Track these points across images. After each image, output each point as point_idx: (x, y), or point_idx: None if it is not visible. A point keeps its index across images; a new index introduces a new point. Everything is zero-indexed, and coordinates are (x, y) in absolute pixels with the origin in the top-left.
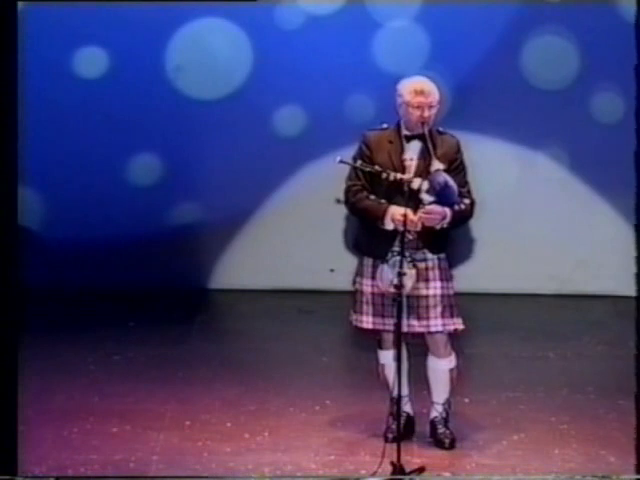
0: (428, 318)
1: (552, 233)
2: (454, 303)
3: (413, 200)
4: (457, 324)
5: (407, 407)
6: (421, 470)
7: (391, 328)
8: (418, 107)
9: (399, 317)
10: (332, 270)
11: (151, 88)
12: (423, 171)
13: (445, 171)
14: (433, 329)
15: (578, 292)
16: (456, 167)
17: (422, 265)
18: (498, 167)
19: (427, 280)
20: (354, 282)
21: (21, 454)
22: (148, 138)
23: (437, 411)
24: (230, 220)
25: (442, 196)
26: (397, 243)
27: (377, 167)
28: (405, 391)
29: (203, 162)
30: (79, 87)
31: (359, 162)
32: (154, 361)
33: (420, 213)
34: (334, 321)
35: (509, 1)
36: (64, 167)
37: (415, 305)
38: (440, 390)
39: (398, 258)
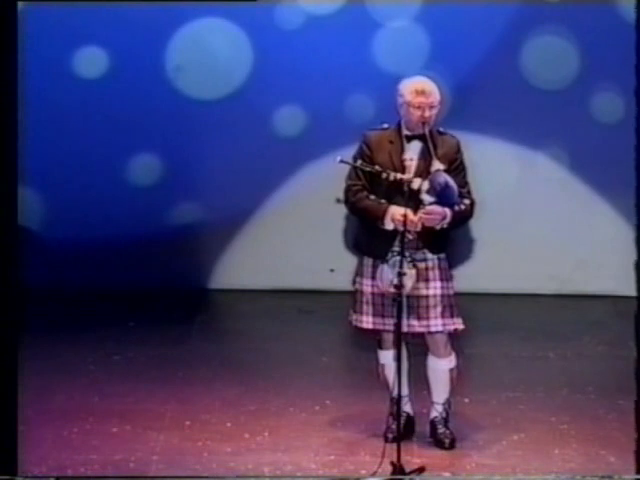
0: (428, 318)
1: (552, 233)
2: (454, 303)
3: (413, 200)
4: (457, 324)
5: (407, 407)
6: (421, 470)
7: (391, 328)
8: (419, 107)
9: (399, 317)
10: (332, 270)
11: (151, 88)
12: (423, 171)
13: (445, 171)
14: (433, 329)
15: (578, 292)
16: (456, 167)
17: (422, 265)
18: (498, 167)
19: (427, 280)
20: (354, 282)
21: (21, 454)
22: (148, 138)
23: (437, 411)
24: (230, 220)
25: (442, 196)
26: (397, 243)
27: (377, 167)
28: (405, 391)
29: (203, 162)
30: (79, 87)
31: (359, 162)
32: (154, 361)
33: (420, 213)
34: (334, 321)
35: (509, 1)
36: (64, 167)
37: (415, 305)
38: (440, 390)
39: (398, 258)
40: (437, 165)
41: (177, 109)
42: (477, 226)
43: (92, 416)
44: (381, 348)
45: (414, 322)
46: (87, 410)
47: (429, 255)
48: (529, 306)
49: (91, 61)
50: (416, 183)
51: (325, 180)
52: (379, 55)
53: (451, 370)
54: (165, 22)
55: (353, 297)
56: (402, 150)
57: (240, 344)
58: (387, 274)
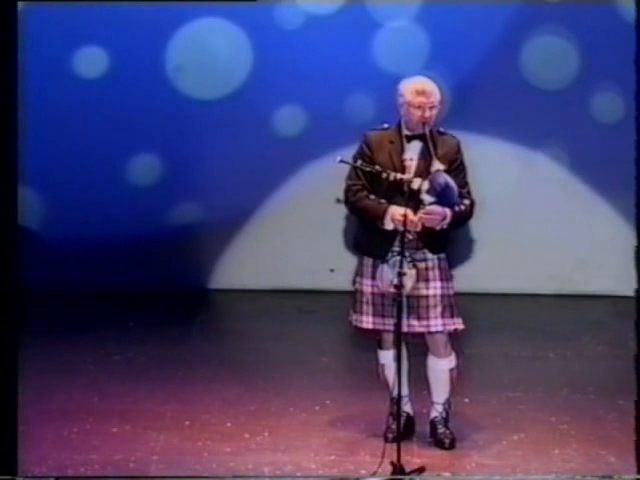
0: (428, 318)
1: (552, 233)
2: (454, 303)
3: (413, 200)
4: (457, 324)
5: (407, 407)
6: (421, 470)
7: (391, 328)
8: (419, 107)
9: (399, 317)
10: (332, 270)
11: (151, 88)
12: (423, 171)
13: (445, 171)
14: (433, 329)
15: (578, 292)
16: (456, 167)
17: (422, 265)
18: (498, 167)
19: (427, 280)
20: (354, 282)
21: (21, 454)
22: (148, 138)
23: (437, 411)
24: (230, 220)
25: (442, 197)
26: (397, 243)
27: (377, 167)
28: (405, 391)
29: (203, 162)
30: (79, 87)
31: (359, 162)
32: (154, 361)
33: (420, 213)
34: (334, 321)
35: (509, 1)
36: (64, 167)
37: (415, 305)
38: (440, 390)
39: (398, 258)
40: (437, 165)
41: (177, 109)
42: (477, 226)
43: (92, 416)
44: (381, 348)
45: (414, 322)
46: (87, 410)
47: (429, 255)
48: (529, 306)
49: (91, 61)
50: (416, 183)
51: (325, 180)
52: (379, 55)
53: (451, 370)
54: (165, 22)
55: (353, 297)
56: (402, 150)
57: (240, 344)
58: (387, 274)
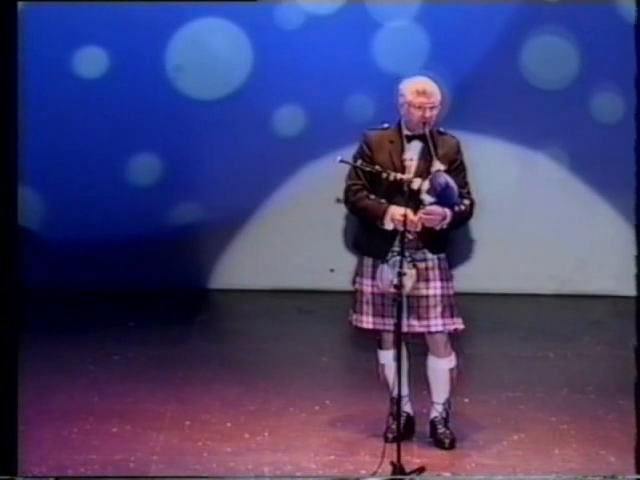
0: (428, 318)
1: (552, 233)
2: (454, 303)
3: (413, 200)
4: (457, 324)
5: (407, 407)
6: (421, 470)
7: (391, 328)
8: (420, 107)
9: (399, 317)
10: (332, 270)
11: (151, 88)
12: (423, 171)
13: (445, 172)
14: (433, 329)
15: (578, 292)
16: (456, 168)
17: (422, 265)
18: (498, 167)
19: (427, 280)
20: (354, 282)
21: (21, 454)
22: (148, 138)
23: (437, 411)
24: (230, 220)
25: (442, 197)
26: (397, 243)
27: (377, 167)
28: (405, 391)
29: (203, 162)
30: (79, 87)
31: (359, 162)
32: (154, 361)
33: (420, 214)
34: (334, 321)
35: (509, 1)
36: (64, 167)
37: (415, 305)
38: (440, 390)
39: (398, 258)
40: (437, 165)
41: (177, 109)
42: (477, 226)
43: (92, 416)
44: (381, 348)
45: (414, 322)
46: (87, 410)
47: (429, 255)
48: (529, 306)
49: (91, 61)
50: (416, 183)
51: (325, 180)
52: (379, 55)
53: (451, 370)
54: (165, 22)
55: (353, 297)
56: (402, 150)
57: (240, 344)
58: (387, 274)
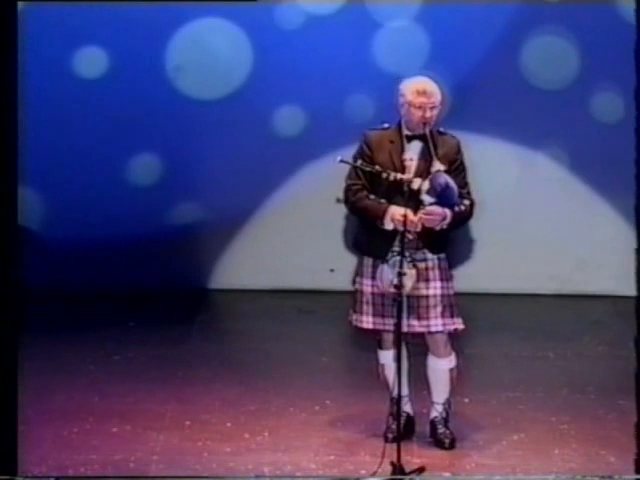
0: (428, 318)
1: (552, 233)
2: (454, 303)
3: (413, 200)
4: (457, 324)
5: (407, 407)
6: (421, 470)
7: (391, 328)
8: (420, 107)
9: (399, 317)
10: (332, 270)
11: (151, 88)
12: (423, 171)
13: (445, 172)
14: (433, 329)
15: (578, 292)
16: (456, 168)
17: (422, 265)
18: (498, 167)
19: (427, 280)
20: (354, 282)
21: (21, 454)
22: (148, 138)
23: (437, 411)
24: (230, 220)
25: (442, 197)
26: (397, 243)
27: (377, 167)
28: (405, 391)
29: (203, 162)
30: (79, 87)
31: (359, 161)
32: (154, 361)
33: (420, 214)
34: (334, 321)
35: (509, 1)
36: (64, 167)
37: (415, 305)
38: (440, 390)
39: (398, 258)
40: (437, 165)
41: (177, 109)
42: (477, 226)
43: (92, 416)
44: (381, 348)
45: (414, 322)
46: (87, 410)
47: (429, 255)
48: (529, 306)
49: (91, 61)
50: (416, 183)
51: (325, 180)
52: (379, 55)
53: (451, 370)
54: (165, 22)
55: (353, 297)
56: (402, 150)
57: (240, 344)
58: (387, 274)
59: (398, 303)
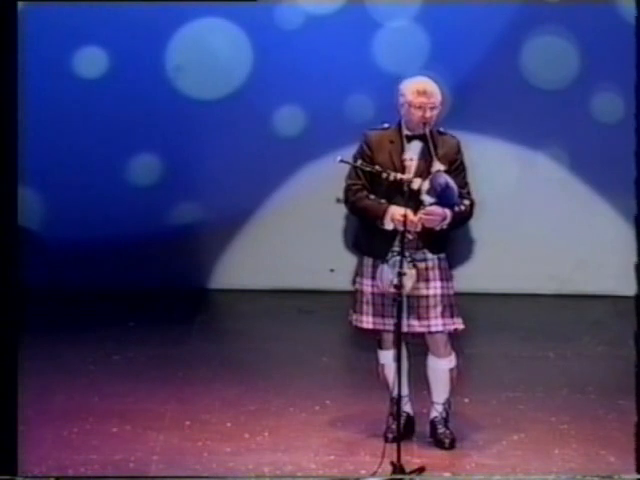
0: (428, 318)
1: (552, 233)
2: (454, 303)
3: (413, 200)
4: (457, 324)
5: (407, 407)
6: (421, 470)
7: (391, 328)
8: (420, 107)
9: (399, 317)
10: (332, 270)
11: (151, 88)
12: (423, 171)
13: (445, 172)
14: (433, 329)
15: (578, 292)
16: (456, 168)
17: (422, 265)
18: (498, 167)
19: (427, 280)
20: (354, 282)
21: (21, 454)
22: (148, 138)
23: (437, 411)
24: (230, 220)
25: (442, 197)
26: (397, 243)
27: (377, 167)
28: (405, 391)
29: (203, 162)
30: (79, 87)
31: (359, 161)
32: (154, 361)
33: (420, 214)
34: (334, 321)
35: (509, 1)
36: (64, 167)
37: (415, 305)
38: (440, 390)
39: (398, 258)
40: (437, 166)
41: (177, 109)
42: (477, 226)
43: (92, 416)
44: (381, 348)
45: (414, 322)
46: (87, 410)
47: (429, 255)
48: (529, 306)
49: (91, 61)
50: (416, 183)
51: (325, 180)
52: (379, 55)
53: (451, 370)
54: (165, 22)
55: (353, 297)
56: (402, 150)
57: (240, 344)
58: (387, 274)
59: (398, 303)
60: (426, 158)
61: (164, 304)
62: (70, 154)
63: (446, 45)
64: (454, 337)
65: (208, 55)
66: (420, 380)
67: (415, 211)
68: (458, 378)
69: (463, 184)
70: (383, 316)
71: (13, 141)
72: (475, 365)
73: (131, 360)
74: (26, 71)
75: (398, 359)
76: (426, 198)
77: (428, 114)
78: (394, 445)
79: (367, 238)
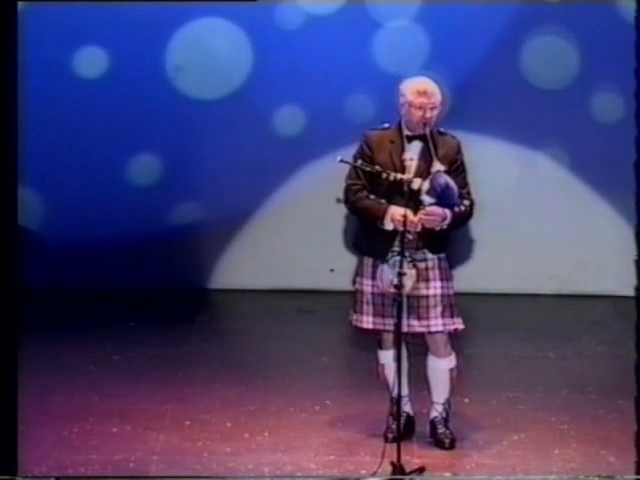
0: (428, 318)
1: (552, 233)
2: (454, 303)
3: (413, 200)
4: (457, 324)
5: (407, 407)
6: (421, 470)
7: (391, 328)
8: (420, 108)
9: (399, 317)
10: (332, 270)
11: (151, 88)
12: (423, 172)
13: (446, 172)
14: (433, 329)
15: (578, 292)
16: (456, 168)
17: (422, 265)
18: (498, 167)
19: (427, 280)
20: (354, 282)
21: (21, 454)
22: (148, 138)
23: (437, 411)
24: (230, 220)
25: (442, 197)
26: (397, 243)
27: (377, 167)
28: (405, 391)
29: (203, 162)
30: (79, 87)
31: (359, 161)
32: (154, 361)
33: (420, 214)
34: (334, 321)
35: (509, 1)
36: (64, 167)
37: (415, 305)
38: (440, 390)
39: (398, 258)
40: (437, 166)
41: (177, 109)
42: (477, 226)
43: (92, 416)
44: (381, 348)
45: (414, 322)
46: (87, 410)
47: (429, 255)
48: (529, 306)
49: (91, 61)
50: (416, 183)
51: (325, 180)
52: (379, 55)
53: (451, 370)
54: (165, 22)
55: (353, 297)
56: (402, 150)
57: (240, 344)
58: (387, 274)
59: (398, 303)
60: (426, 158)
61: (164, 304)
62: (70, 154)
63: (446, 45)
64: (454, 337)
65: (208, 55)
66: (420, 380)
67: (415, 211)
68: (458, 378)
69: (463, 184)
70: (383, 316)
71: (13, 141)
72: (475, 365)
73: (131, 360)
74: (26, 71)
75: (398, 359)
76: (426, 198)
77: (428, 114)
78: (394, 445)
79: (367, 238)
